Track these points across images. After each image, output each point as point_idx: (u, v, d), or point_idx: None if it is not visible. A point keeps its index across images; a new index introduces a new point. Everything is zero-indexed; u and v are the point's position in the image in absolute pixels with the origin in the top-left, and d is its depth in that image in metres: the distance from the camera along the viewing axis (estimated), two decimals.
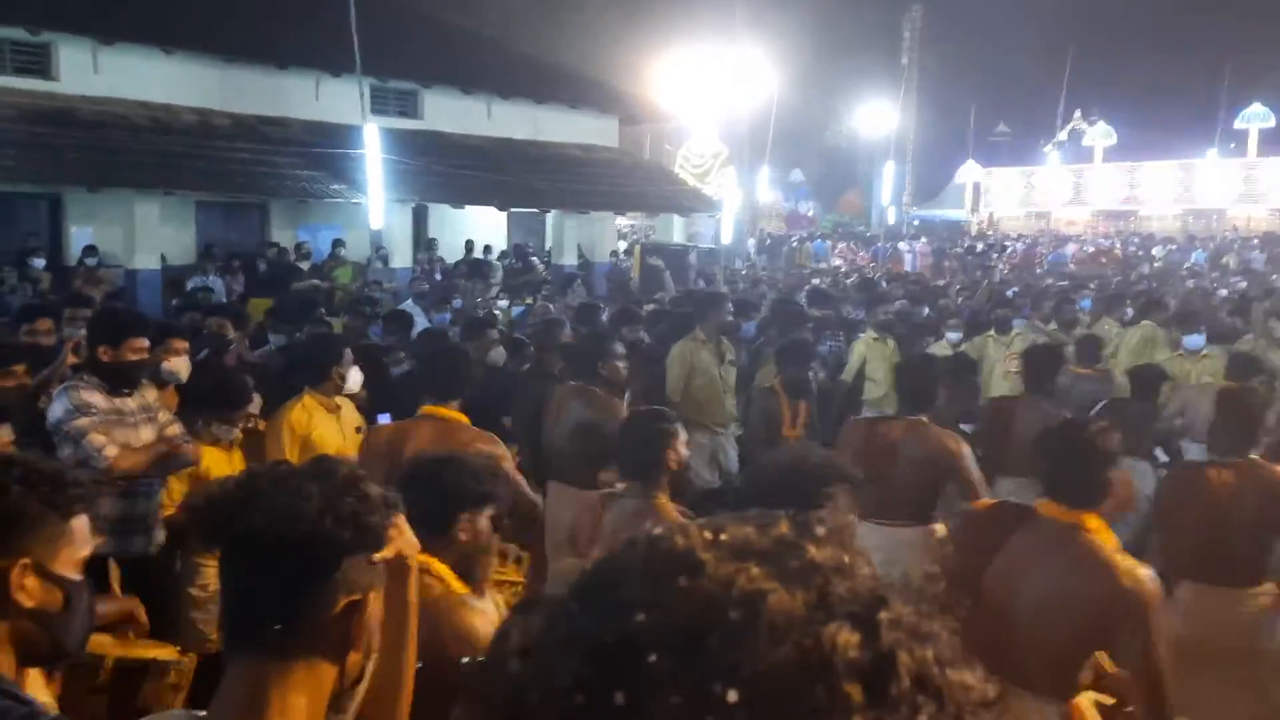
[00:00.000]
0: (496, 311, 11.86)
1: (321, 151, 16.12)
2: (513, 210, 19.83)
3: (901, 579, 0.67)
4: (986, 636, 2.65)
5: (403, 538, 1.43)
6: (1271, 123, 39.29)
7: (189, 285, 12.94)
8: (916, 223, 44.00)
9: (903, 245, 30.60)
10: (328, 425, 4.33)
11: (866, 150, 46.34)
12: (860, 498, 4.42)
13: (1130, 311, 9.82)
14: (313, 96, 17.29)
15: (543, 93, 20.31)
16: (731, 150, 29.68)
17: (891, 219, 42.83)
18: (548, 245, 21.43)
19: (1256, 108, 39.30)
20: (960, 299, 13.42)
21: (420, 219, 18.41)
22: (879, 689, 0.59)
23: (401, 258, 16.90)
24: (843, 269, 24.68)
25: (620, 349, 5.70)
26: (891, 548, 4.11)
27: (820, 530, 0.67)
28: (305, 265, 15.19)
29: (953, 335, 8.78)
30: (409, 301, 10.58)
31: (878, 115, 43.60)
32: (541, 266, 18.51)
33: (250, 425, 4.61)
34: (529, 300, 13.03)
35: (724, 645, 0.59)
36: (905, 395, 4.87)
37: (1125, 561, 2.71)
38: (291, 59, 16.99)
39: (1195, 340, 7.59)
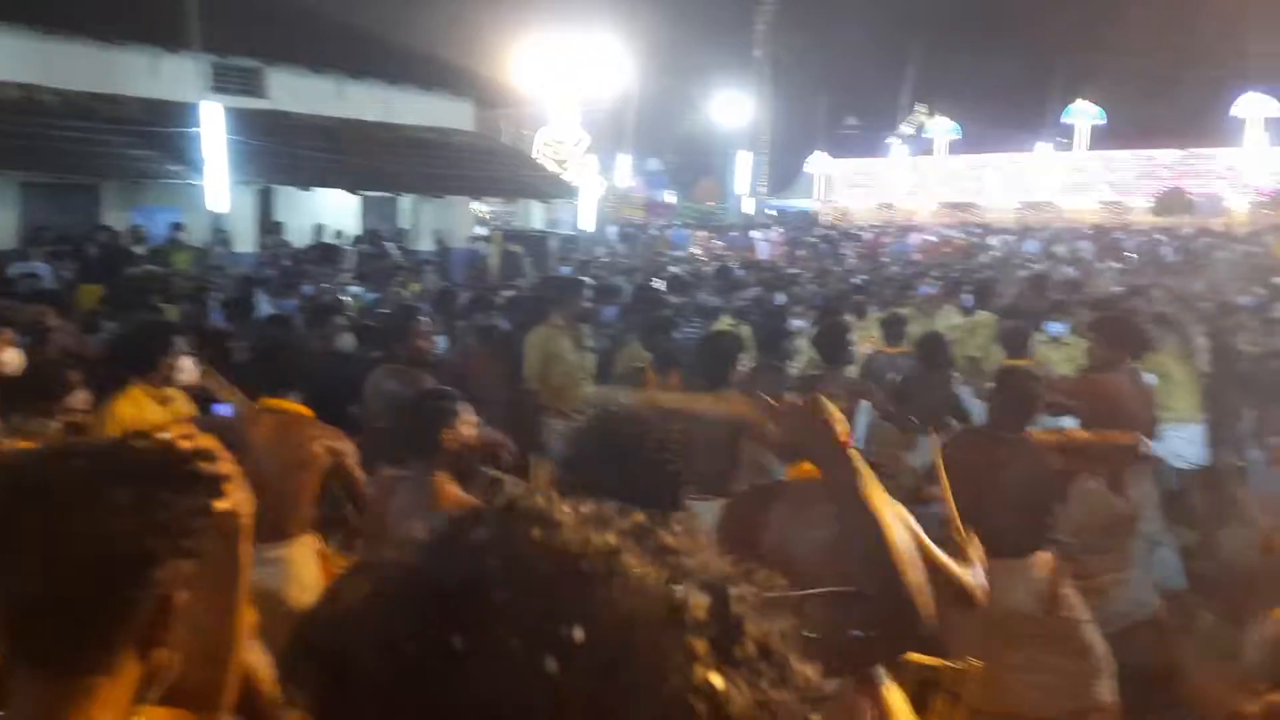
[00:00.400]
0: (348, 298, 11.52)
1: (158, 131, 15.34)
2: (365, 194, 19.32)
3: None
4: None
5: (236, 493, 1.26)
6: (1101, 119, 41.75)
7: (11, 271, 12.10)
8: (771, 212, 44.96)
9: (757, 234, 31.17)
10: (158, 419, 4.10)
11: (723, 140, 47.00)
12: None
13: (970, 299, 10.20)
14: (149, 73, 16.43)
15: (395, 73, 19.82)
16: (592, 137, 29.66)
17: (747, 208, 43.63)
18: (403, 230, 20.97)
19: (1085, 104, 41.69)
20: (814, 287, 13.74)
21: (266, 202, 17.74)
22: (724, 648, 0.60)
23: (245, 242, 16.25)
24: (700, 257, 24.98)
25: (426, 324, 5.68)
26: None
27: (675, 526, 0.69)
28: (140, 250, 14.41)
29: (799, 323, 8.96)
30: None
31: (733, 105, 44.37)
32: (396, 252, 18.10)
33: (74, 419, 4.32)
34: (386, 287, 12.71)
35: (575, 591, 0.59)
36: (703, 372, 4.90)
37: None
38: (125, 33, 16.09)
39: (1056, 327, 7.86)
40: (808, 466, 2.83)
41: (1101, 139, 41.83)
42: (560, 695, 0.57)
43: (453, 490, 3.27)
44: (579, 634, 0.58)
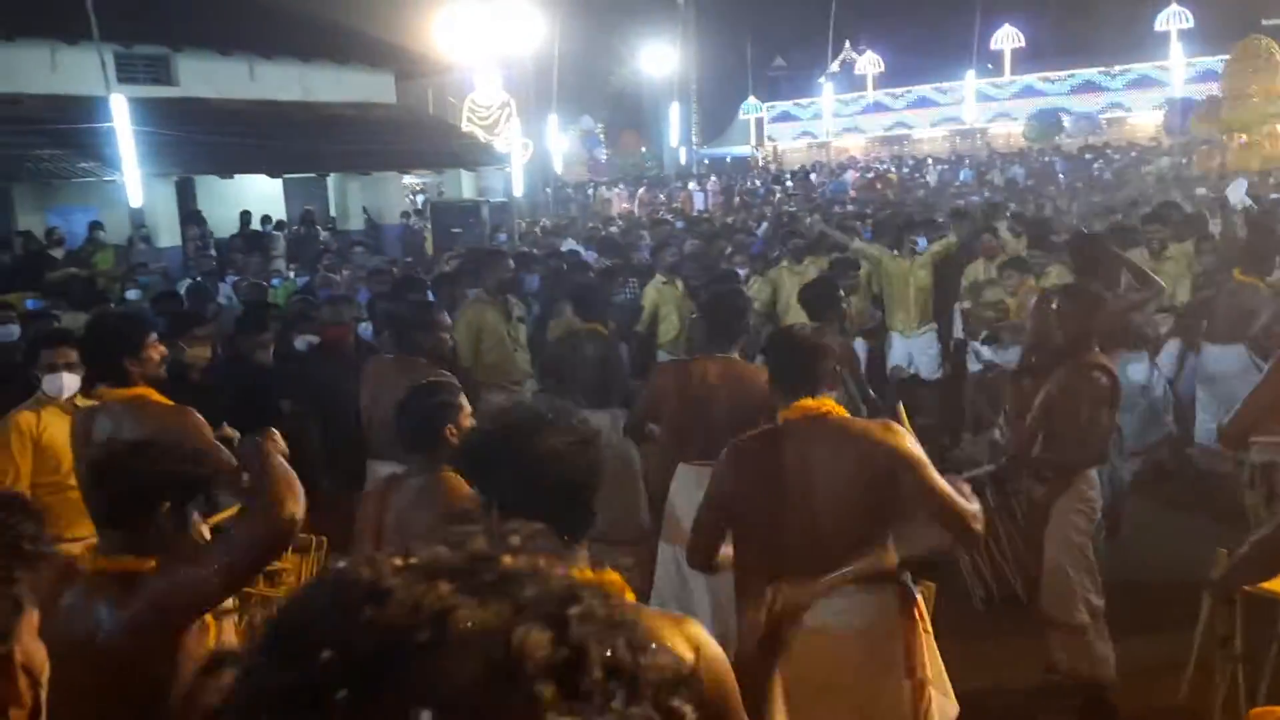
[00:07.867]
0: (274, 283, 11.29)
1: (64, 128, 14.78)
2: (288, 177, 18.87)
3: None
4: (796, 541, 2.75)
5: None
6: (1020, 43, 41.86)
7: None
8: (706, 161, 44.76)
9: (693, 185, 31.04)
10: (59, 427, 3.94)
11: (652, 93, 46.59)
12: (681, 441, 4.39)
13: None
14: (48, 68, 15.82)
15: (309, 50, 19.28)
16: (517, 99, 29.16)
17: (682, 159, 43.39)
18: (332, 211, 20.54)
19: (1009, 29, 41.73)
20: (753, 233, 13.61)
21: (185, 193, 17.23)
22: (571, 683, 0.60)
23: (168, 236, 15.81)
24: (635, 214, 24.78)
25: (445, 319, 5.33)
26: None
27: (515, 540, 0.68)
28: (59, 253, 13.96)
29: (739, 271, 8.88)
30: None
31: (660, 57, 43.89)
32: (325, 234, 17.74)
33: None
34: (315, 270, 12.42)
35: (410, 669, 0.59)
36: (714, 330, 4.69)
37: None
38: (19, 28, 15.45)
39: (921, 243, 8.29)
40: (803, 404, 2.88)
41: (1023, 61, 41.97)
42: None
43: (461, 486, 3.19)
44: (425, 716, 0.57)
